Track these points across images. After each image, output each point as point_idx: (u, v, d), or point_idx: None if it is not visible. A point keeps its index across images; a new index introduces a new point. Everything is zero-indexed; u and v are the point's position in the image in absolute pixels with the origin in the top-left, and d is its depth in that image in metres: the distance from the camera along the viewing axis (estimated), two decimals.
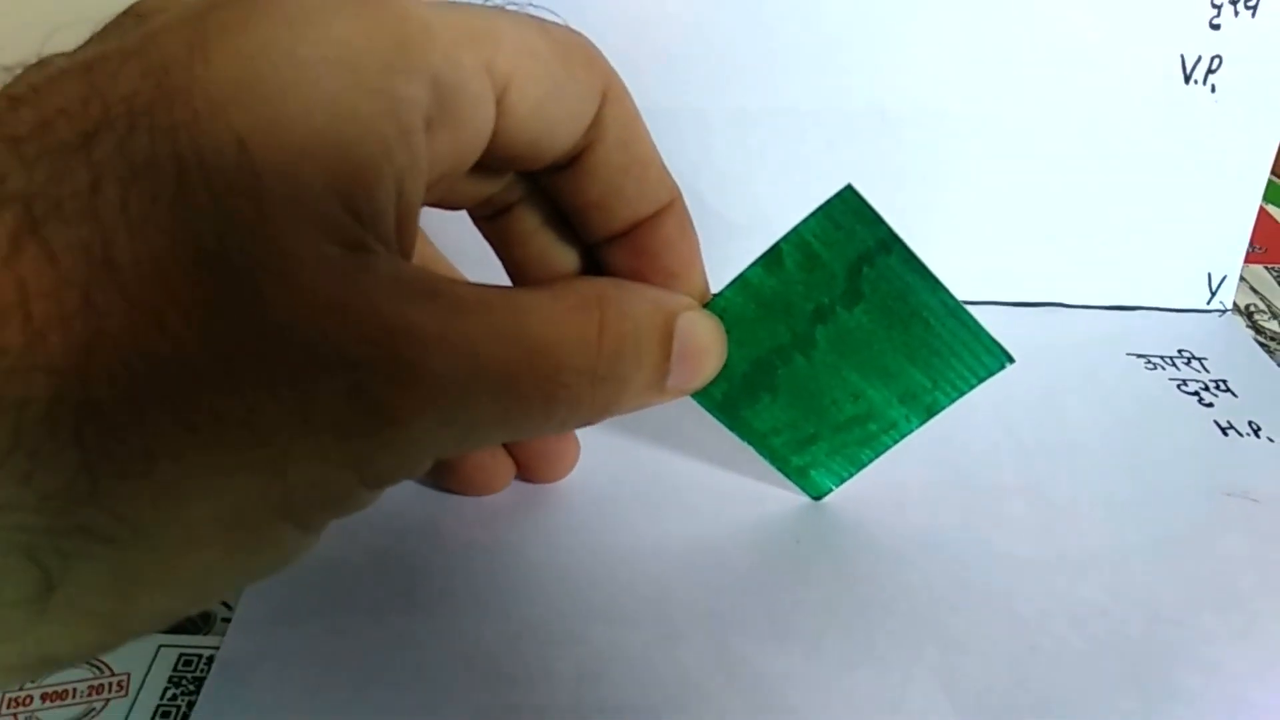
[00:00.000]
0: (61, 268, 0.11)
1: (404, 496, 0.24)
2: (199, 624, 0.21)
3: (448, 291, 0.14)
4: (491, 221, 0.20)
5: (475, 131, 0.16)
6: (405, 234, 0.15)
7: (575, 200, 0.19)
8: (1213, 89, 0.29)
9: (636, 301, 0.18)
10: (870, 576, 0.23)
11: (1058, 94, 0.29)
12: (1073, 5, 0.28)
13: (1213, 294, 0.32)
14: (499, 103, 0.16)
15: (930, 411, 0.23)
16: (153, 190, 0.12)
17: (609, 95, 0.18)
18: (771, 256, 0.21)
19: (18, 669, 0.13)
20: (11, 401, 0.11)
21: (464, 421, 0.15)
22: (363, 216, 0.13)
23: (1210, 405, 0.29)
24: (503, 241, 0.21)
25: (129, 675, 0.20)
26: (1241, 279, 0.35)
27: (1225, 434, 0.28)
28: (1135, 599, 0.23)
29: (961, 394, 0.23)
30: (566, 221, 0.20)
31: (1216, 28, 0.28)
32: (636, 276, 0.20)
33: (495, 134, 0.16)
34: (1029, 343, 0.30)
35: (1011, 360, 0.22)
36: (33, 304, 0.11)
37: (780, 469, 0.24)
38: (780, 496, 0.25)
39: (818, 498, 0.25)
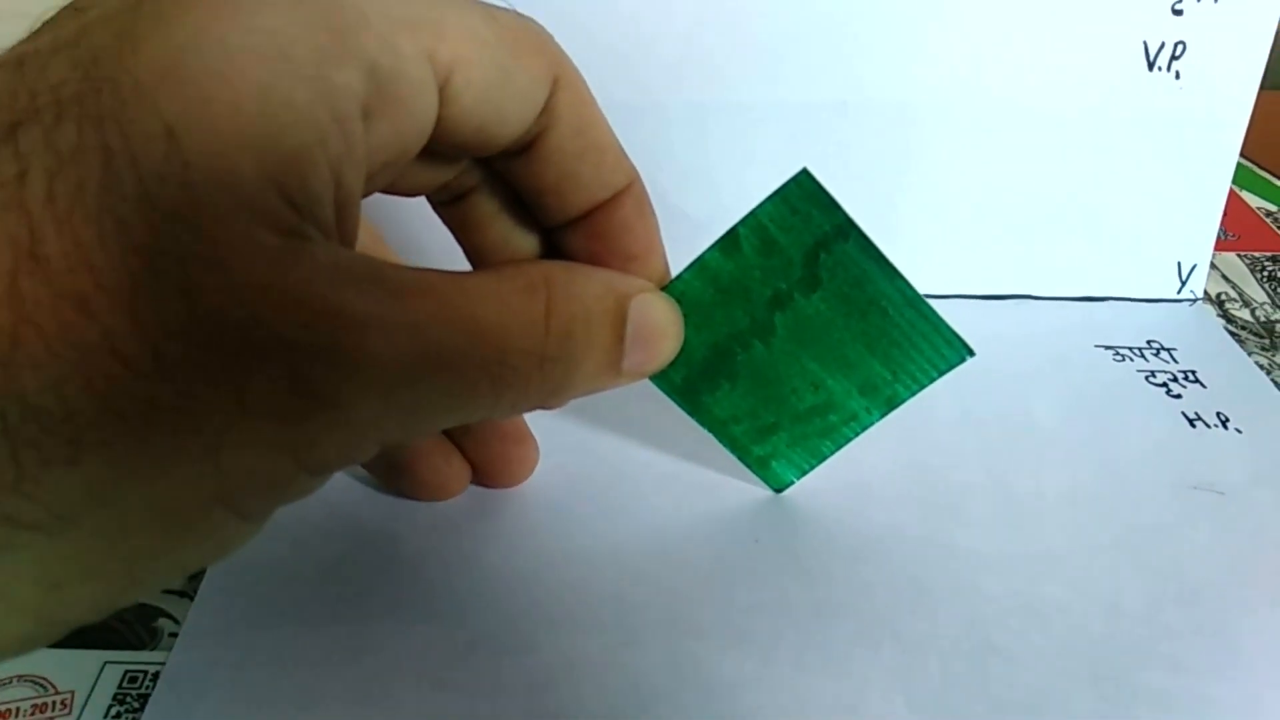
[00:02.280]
0: None
1: (356, 504, 0.24)
2: (145, 639, 0.21)
3: (390, 276, 0.14)
4: (450, 207, 0.20)
5: (417, 119, 0.16)
6: (345, 222, 0.15)
7: (532, 185, 0.19)
8: (1177, 75, 0.29)
9: (586, 284, 0.18)
10: (829, 577, 0.22)
11: (1021, 84, 0.29)
12: None
13: (1183, 283, 0.32)
14: (442, 90, 0.16)
15: (890, 404, 0.23)
16: (79, 179, 0.12)
17: (560, 81, 0.18)
18: (729, 240, 0.21)
19: None
20: None
21: (408, 405, 0.14)
22: (298, 204, 0.13)
23: (1178, 397, 0.28)
24: (462, 227, 0.21)
25: (73, 693, 0.20)
26: (1214, 267, 0.35)
27: (1193, 425, 0.27)
28: (1097, 595, 0.22)
29: (922, 386, 0.22)
30: (525, 206, 0.20)
31: (1179, 13, 0.28)
32: (596, 260, 0.20)
33: (440, 121, 0.16)
34: (997, 336, 0.30)
35: (972, 353, 0.22)
36: None
37: (741, 459, 0.24)
38: (740, 497, 0.24)
39: (779, 490, 0.25)
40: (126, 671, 0.20)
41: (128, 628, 0.21)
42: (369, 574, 0.22)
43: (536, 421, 0.25)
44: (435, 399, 0.15)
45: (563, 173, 0.18)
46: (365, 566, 0.22)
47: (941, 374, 0.22)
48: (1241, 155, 0.31)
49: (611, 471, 0.25)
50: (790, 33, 0.28)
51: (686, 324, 0.21)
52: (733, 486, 0.25)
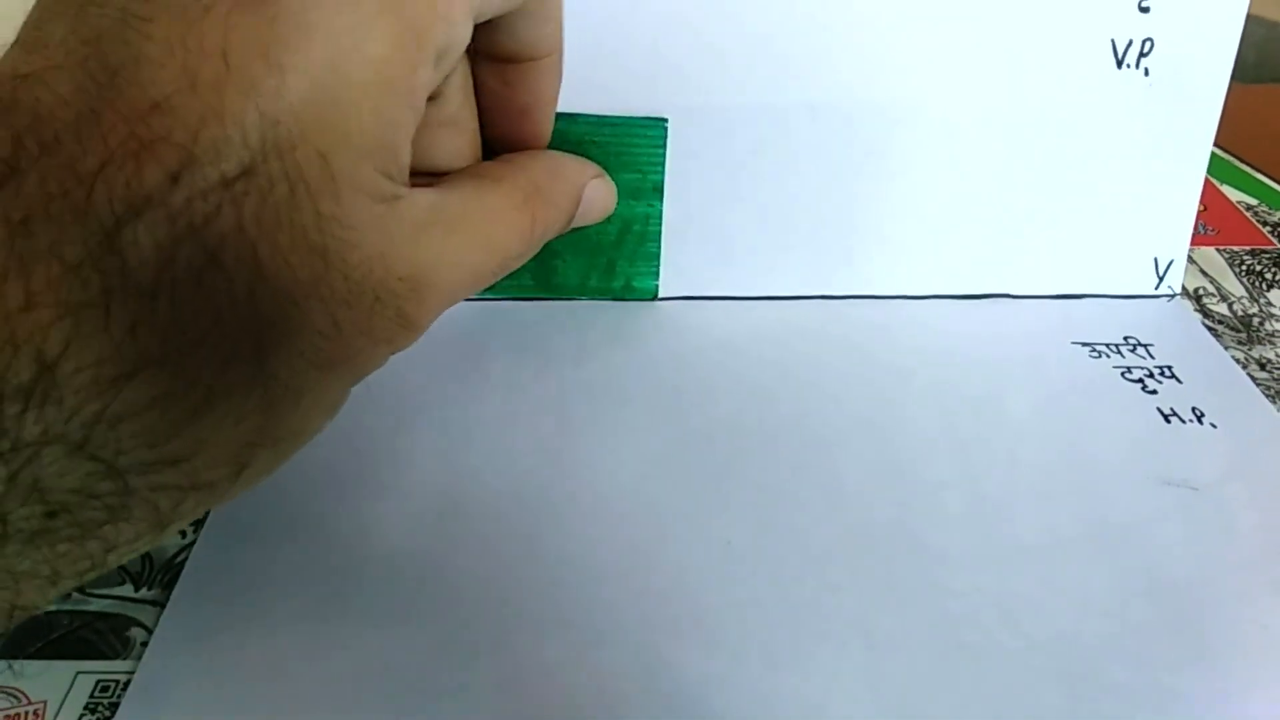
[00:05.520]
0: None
1: (325, 507, 0.24)
2: (118, 649, 0.21)
3: (446, 213, 0.19)
4: None
5: (454, 63, 0.20)
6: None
7: (494, 48, 0.22)
8: (1146, 72, 0.29)
9: (561, 188, 0.24)
10: (799, 576, 0.23)
11: (990, 85, 0.29)
12: None
13: (1160, 279, 0.32)
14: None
15: (658, 189, 0.29)
16: (274, 201, 0.16)
17: None
18: None
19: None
20: None
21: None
22: (393, 175, 0.18)
23: (1154, 392, 0.28)
24: None
25: (45, 703, 0.20)
26: (1193, 262, 0.35)
27: (1168, 421, 0.27)
28: (1066, 592, 0.22)
29: (663, 162, 0.29)
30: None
31: (1145, 10, 0.28)
32: (507, 98, 0.24)
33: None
34: (974, 335, 0.31)
35: (665, 120, 0.28)
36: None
37: (613, 298, 0.31)
38: (712, 498, 0.24)
39: (654, 298, 0.31)
40: (99, 681, 0.20)
41: (101, 638, 0.21)
42: (339, 577, 0.22)
43: (504, 416, 0.25)
44: (461, 296, 0.20)
45: (523, 38, 0.22)
46: (335, 569, 0.22)
47: (663, 145, 0.29)
48: (1223, 149, 0.31)
49: (584, 470, 0.25)
50: (757, 37, 0.28)
51: None
52: (706, 487, 0.25)
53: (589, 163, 0.26)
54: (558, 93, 0.24)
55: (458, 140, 0.23)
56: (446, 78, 0.21)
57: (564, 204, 0.24)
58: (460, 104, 0.22)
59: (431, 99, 0.21)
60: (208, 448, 0.16)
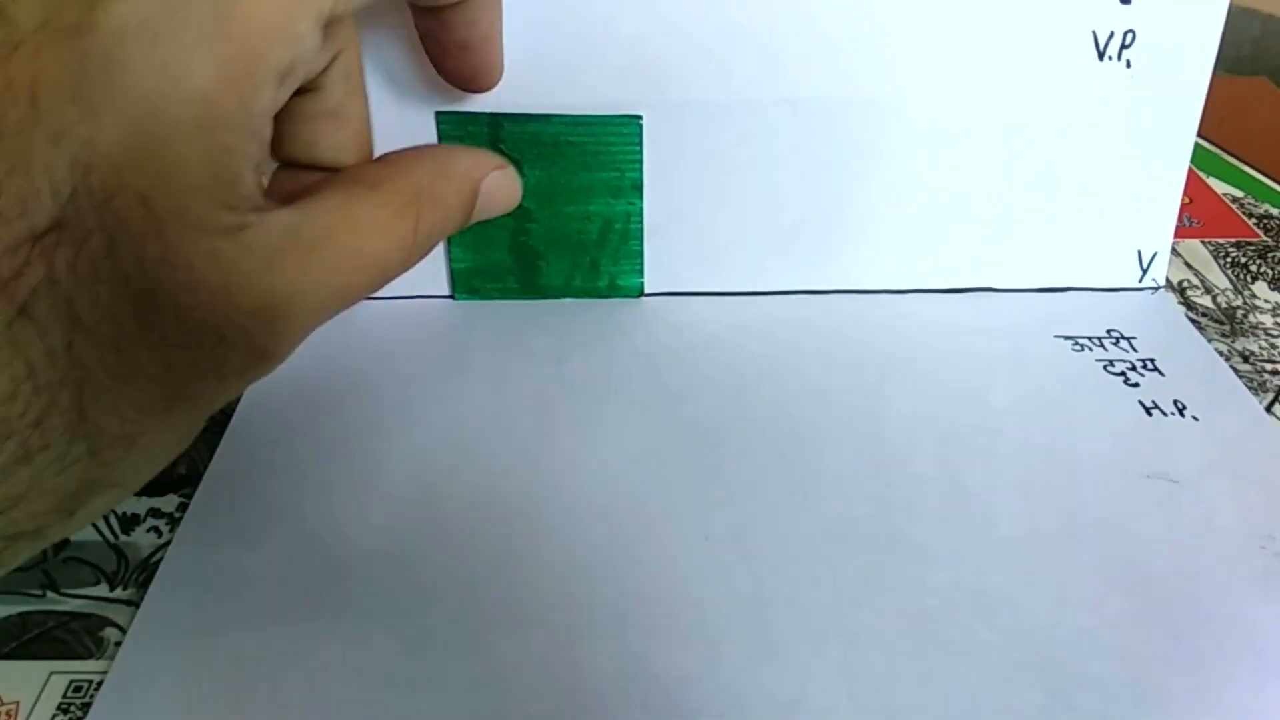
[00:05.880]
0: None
1: (300, 504, 0.24)
2: (92, 649, 0.21)
3: (304, 232, 0.18)
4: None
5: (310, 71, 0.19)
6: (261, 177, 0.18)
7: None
8: (1128, 64, 0.29)
9: (450, 185, 0.22)
10: (777, 572, 0.22)
11: (972, 79, 0.29)
12: None
13: (1144, 272, 0.32)
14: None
15: (637, 186, 0.29)
16: (89, 251, 0.15)
17: None
18: None
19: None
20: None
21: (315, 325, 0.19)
22: (235, 204, 0.16)
23: (1136, 385, 0.28)
24: None
25: (18, 703, 0.20)
26: (1177, 254, 0.35)
27: (1149, 414, 0.27)
28: (1044, 587, 0.22)
29: (640, 159, 0.29)
30: None
31: (1127, 2, 0.28)
32: (440, 37, 0.23)
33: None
34: (958, 329, 0.30)
35: (640, 116, 0.28)
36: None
37: (599, 296, 0.31)
38: (691, 494, 0.24)
39: (639, 295, 0.31)
40: (72, 681, 0.20)
41: (75, 638, 0.21)
42: (315, 576, 0.22)
43: (486, 413, 0.25)
44: (330, 316, 0.19)
45: None
46: (310, 567, 0.22)
47: (639, 142, 0.29)
48: (1209, 141, 0.31)
49: (565, 468, 0.25)
50: (735, 33, 0.28)
51: (485, 248, 0.30)
52: (687, 483, 0.25)
53: (488, 154, 0.24)
54: (498, 23, 0.24)
55: (343, 131, 0.22)
56: (326, 70, 0.20)
57: (455, 202, 0.22)
58: (344, 94, 0.21)
59: (309, 91, 0.20)
60: (26, 501, 0.16)
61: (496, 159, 0.24)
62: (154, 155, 0.15)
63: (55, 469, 0.16)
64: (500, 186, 0.24)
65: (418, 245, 0.20)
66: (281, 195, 0.19)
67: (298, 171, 0.22)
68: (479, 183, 0.23)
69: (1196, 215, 0.37)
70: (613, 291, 0.31)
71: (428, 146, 0.25)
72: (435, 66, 0.24)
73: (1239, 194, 0.39)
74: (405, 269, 0.20)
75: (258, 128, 0.16)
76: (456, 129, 0.28)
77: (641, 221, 0.30)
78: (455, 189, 0.22)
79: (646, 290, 0.31)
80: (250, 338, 0.17)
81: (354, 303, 0.19)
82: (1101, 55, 0.29)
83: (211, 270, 0.16)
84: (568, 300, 0.31)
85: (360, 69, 0.21)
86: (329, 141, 0.21)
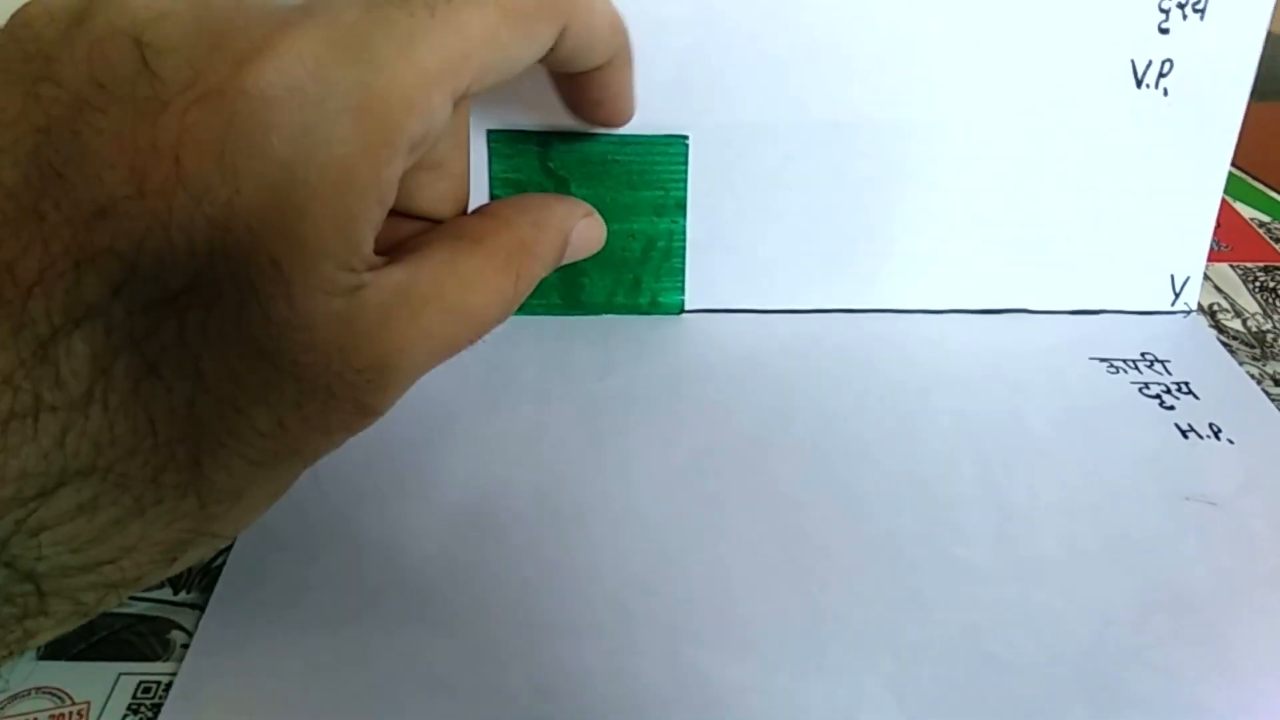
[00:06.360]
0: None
1: (361, 513, 0.24)
2: (159, 651, 0.21)
3: (412, 291, 0.18)
4: None
5: (439, 139, 0.18)
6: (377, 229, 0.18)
7: (552, 68, 0.22)
8: (1165, 92, 0.29)
9: (547, 238, 0.23)
10: (826, 587, 0.23)
11: (1012, 104, 0.30)
12: (1022, 15, 0.29)
13: (1176, 295, 0.33)
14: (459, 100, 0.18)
15: (681, 206, 0.30)
16: (220, 312, 0.15)
17: (571, 25, 0.19)
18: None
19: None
20: None
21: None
22: (355, 266, 0.17)
23: (1171, 408, 0.29)
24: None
25: (89, 704, 0.20)
26: (1207, 278, 0.35)
27: (1185, 437, 0.28)
28: (1088, 604, 0.23)
29: (685, 178, 0.29)
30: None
31: (1165, 32, 0.29)
32: (576, 94, 0.24)
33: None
34: (993, 350, 0.31)
35: (686, 136, 0.29)
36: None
37: (640, 313, 0.31)
38: (740, 507, 0.25)
39: (680, 311, 0.32)
40: (140, 682, 0.21)
41: (142, 640, 0.22)
42: (375, 582, 0.23)
43: (533, 427, 0.26)
44: (433, 367, 0.19)
45: (577, 59, 0.21)
46: (371, 575, 0.23)
47: (685, 161, 0.29)
48: (1236, 166, 0.31)
49: (613, 480, 0.26)
50: (782, 57, 0.29)
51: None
52: (733, 497, 0.25)
53: (577, 203, 0.25)
54: (630, 81, 0.24)
55: (443, 183, 0.22)
56: None
57: (550, 254, 0.23)
58: (450, 149, 0.21)
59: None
60: (135, 552, 0.16)
61: (584, 206, 0.25)
62: (289, 219, 0.15)
63: (165, 521, 0.16)
64: (587, 233, 0.25)
65: (517, 297, 0.21)
66: (379, 245, 0.19)
67: (392, 219, 0.22)
68: (569, 232, 0.24)
69: (1225, 240, 0.38)
70: (654, 308, 0.32)
71: (524, 197, 0.25)
72: (568, 109, 0.25)
73: (1265, 218, 0.39)
74: (504, 320, 0.20)
75: (385, 193, 0.17)
76: (507, 147, 0.29)
77: (684, 239, 0.31)
78: (549, 240, 0.23)
79: (686, 307, 0.32)
80: (358, 394, 0.17)
81: (455, 353, 0.19)
82: (1140, 83, 0.29)
83: (331, 329, 0.16)
84: (608, 316, 0.32)
85: (467, 126, 0.22)
86: (428, 192, 0.22)
